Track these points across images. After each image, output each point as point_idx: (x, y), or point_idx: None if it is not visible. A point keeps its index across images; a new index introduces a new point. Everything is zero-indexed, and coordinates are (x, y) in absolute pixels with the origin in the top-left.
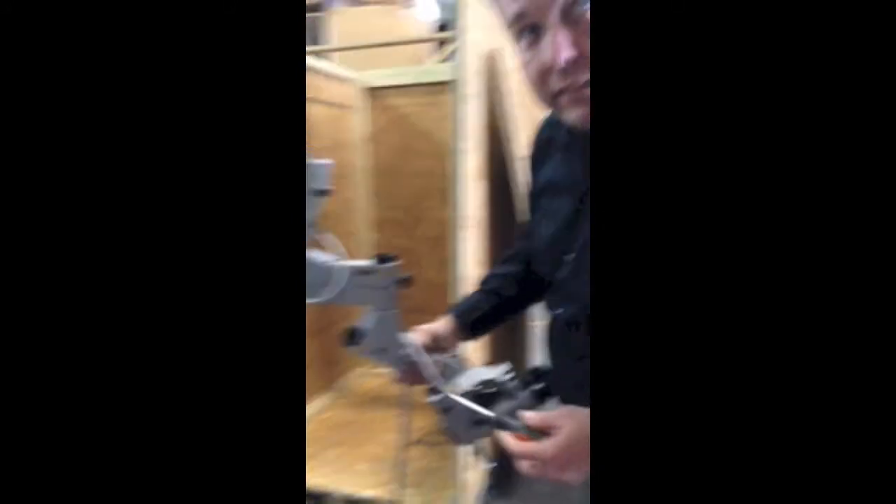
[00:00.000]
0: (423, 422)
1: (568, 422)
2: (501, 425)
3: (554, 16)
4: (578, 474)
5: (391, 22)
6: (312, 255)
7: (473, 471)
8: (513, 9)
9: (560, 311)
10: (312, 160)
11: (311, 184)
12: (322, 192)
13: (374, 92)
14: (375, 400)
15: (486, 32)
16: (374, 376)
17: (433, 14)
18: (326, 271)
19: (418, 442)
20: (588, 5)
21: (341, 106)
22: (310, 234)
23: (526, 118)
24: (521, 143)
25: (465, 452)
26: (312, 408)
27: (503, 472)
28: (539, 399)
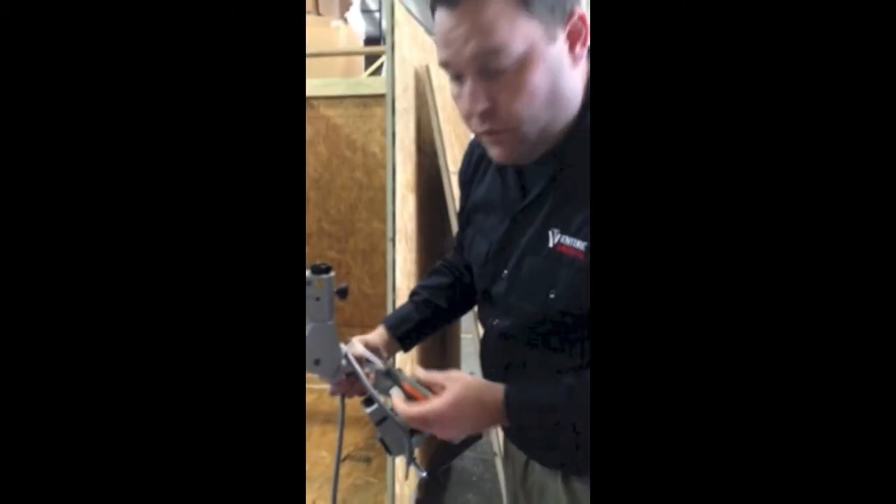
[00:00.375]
0: (352, 437)
1: (455, 385)
2: (395, 379)
3: (471, 70)
4: (459, 433)
5: (322, 32)
6: None
7: (404, 486)
8: (441, 56)
9: (496, 322)
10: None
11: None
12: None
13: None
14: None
15: (416, 49)
16: None
17: (360, 28)
18: None
19: (346, 458)
20: (507, 56)
21: None
22: None
23: (455, 133)
24: (451, 157)
25: (395, 467)
26: None
27: (435, 481)
28: None
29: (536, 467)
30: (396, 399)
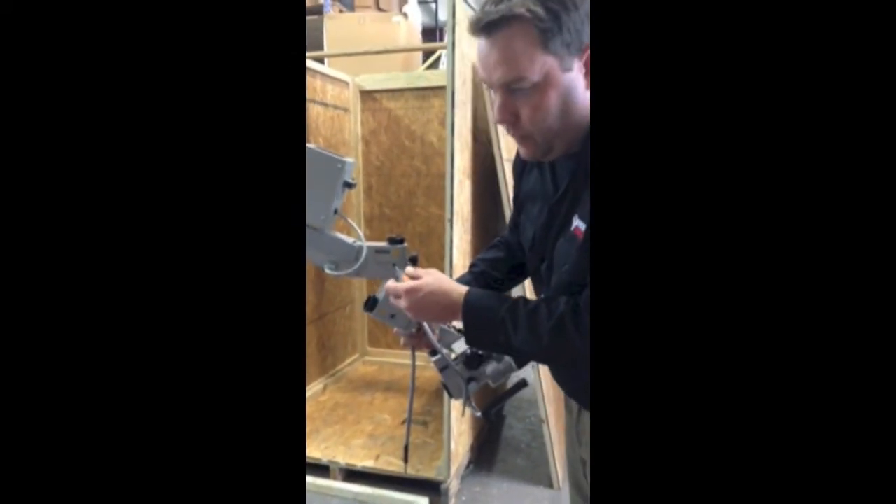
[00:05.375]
0: (414, 403)
1: (430, 275)
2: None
3: (500, 89)
4: (424, 314)
5: (385, 28)
6: (340, 236)
7: (458, 445)
8: (479, 74)
9: (542, 294)
10: (343, 157)
11: (343, 178)
12: (349, 185)
13: (367, 95)
14: (368, 384)
15: (474, 45)
16: (365, 364)
17: (418, 19)
18: (352, 250)
19: (404, 420)
20: (526, 83)
21: (336, 107)
22: (337, 218)
23: None
24: (504, 145)
25: (450, 428)
26: (311, 390)
27: (487, 419)
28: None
29: (585, 415)
30: (390, 281)
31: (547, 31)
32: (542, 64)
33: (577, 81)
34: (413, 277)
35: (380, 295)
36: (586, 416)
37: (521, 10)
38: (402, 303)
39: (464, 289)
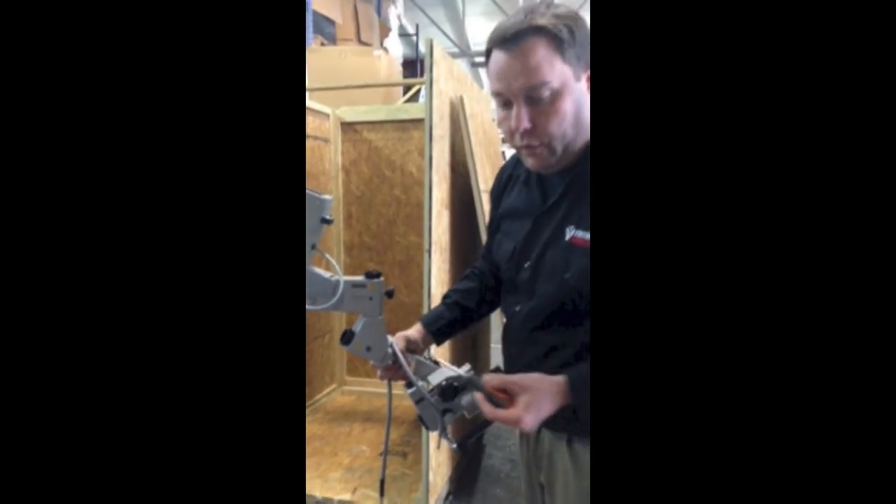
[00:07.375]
0: (390, 435)
1: (524, 395)
2: (473, 385)
3: (519, 98)
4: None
5: (366, 62)
6: (317, 270)
7: (437, 476)
8: (494, 87)
9: (518, 308)
10: (322, 195)
11: (320, 214)
12: (326, 221)
13: (348, 126)
14: (346, 415)
15: (452, 82)
16: (343, 394)
17: (398, 51)
18: (329, 284)
19: (382, 452)
20: (547, 89)
21: (316, 138)
22: (315, 253)
23: (486, 154)
24: (481, 176)
25: (429, 459)
26: None
27: (464, 451)
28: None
29: (546, 437)
30: (483, 403)
31: (563, 42)
32: (560, 71)
33: (584, 92)
34: (502, 389)
35: (356, 328)
36: (545, 437)
37: (543, 22)
38: (515, 426)
39: (556, 380)
